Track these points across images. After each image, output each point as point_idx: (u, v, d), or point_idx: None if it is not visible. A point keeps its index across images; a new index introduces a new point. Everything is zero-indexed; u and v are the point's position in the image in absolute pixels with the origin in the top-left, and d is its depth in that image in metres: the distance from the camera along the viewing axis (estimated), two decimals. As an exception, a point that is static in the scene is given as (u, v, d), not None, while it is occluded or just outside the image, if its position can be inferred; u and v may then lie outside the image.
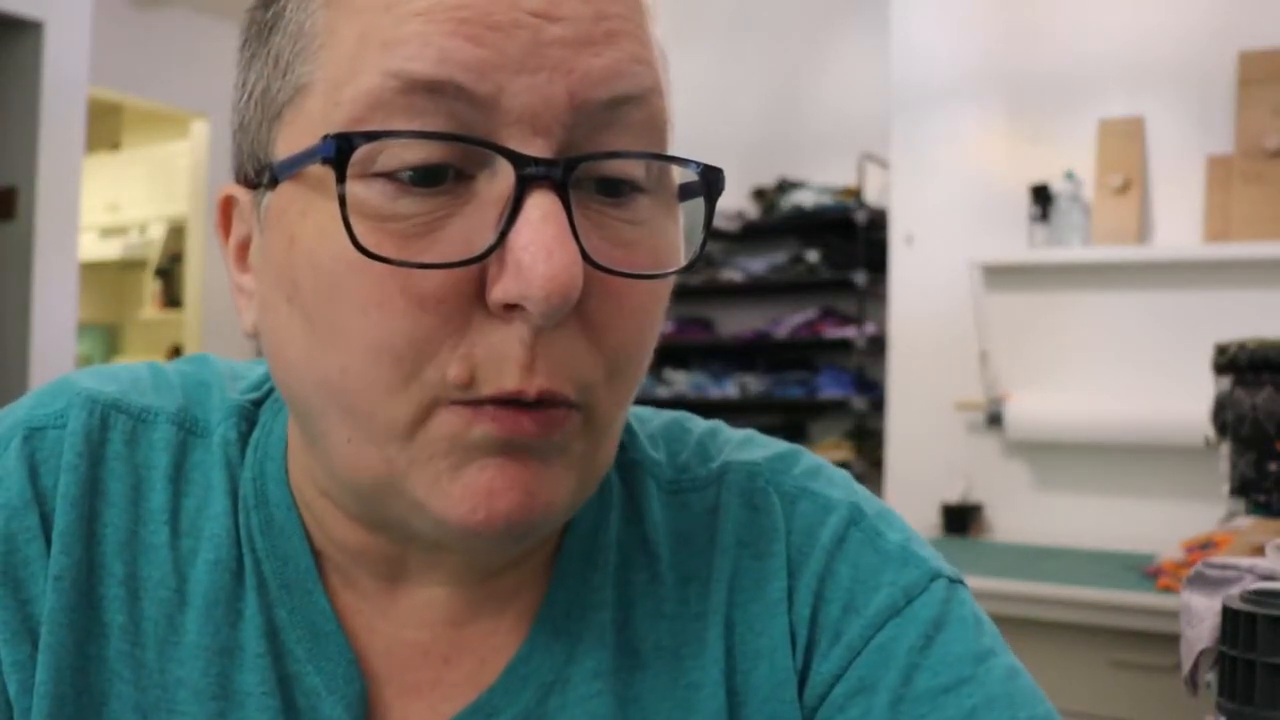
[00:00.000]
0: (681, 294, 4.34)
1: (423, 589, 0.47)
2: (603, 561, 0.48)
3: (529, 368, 0.38)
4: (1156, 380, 2.80)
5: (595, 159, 0.39)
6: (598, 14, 0.40)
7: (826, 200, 3.94)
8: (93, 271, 5.33)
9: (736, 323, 4.26)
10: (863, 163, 3.79)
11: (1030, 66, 3.07)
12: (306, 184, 0.40)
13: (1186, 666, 0.91)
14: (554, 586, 0.48)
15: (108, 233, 5.71)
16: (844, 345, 3.91)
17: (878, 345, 3.73)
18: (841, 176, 3.95)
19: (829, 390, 3.91)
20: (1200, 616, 0.90)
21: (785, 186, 4.06)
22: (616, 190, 0.41)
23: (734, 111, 4.29)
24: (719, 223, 4.06)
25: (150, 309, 5.59)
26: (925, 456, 3.16)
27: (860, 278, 3.80)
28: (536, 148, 0.38)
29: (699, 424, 0.55)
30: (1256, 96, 2.76)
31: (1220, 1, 2.85)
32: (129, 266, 5.76)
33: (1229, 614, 0.80)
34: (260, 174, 0.42)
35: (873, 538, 0.49)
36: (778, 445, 0.54)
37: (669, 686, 0.47)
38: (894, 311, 3.29)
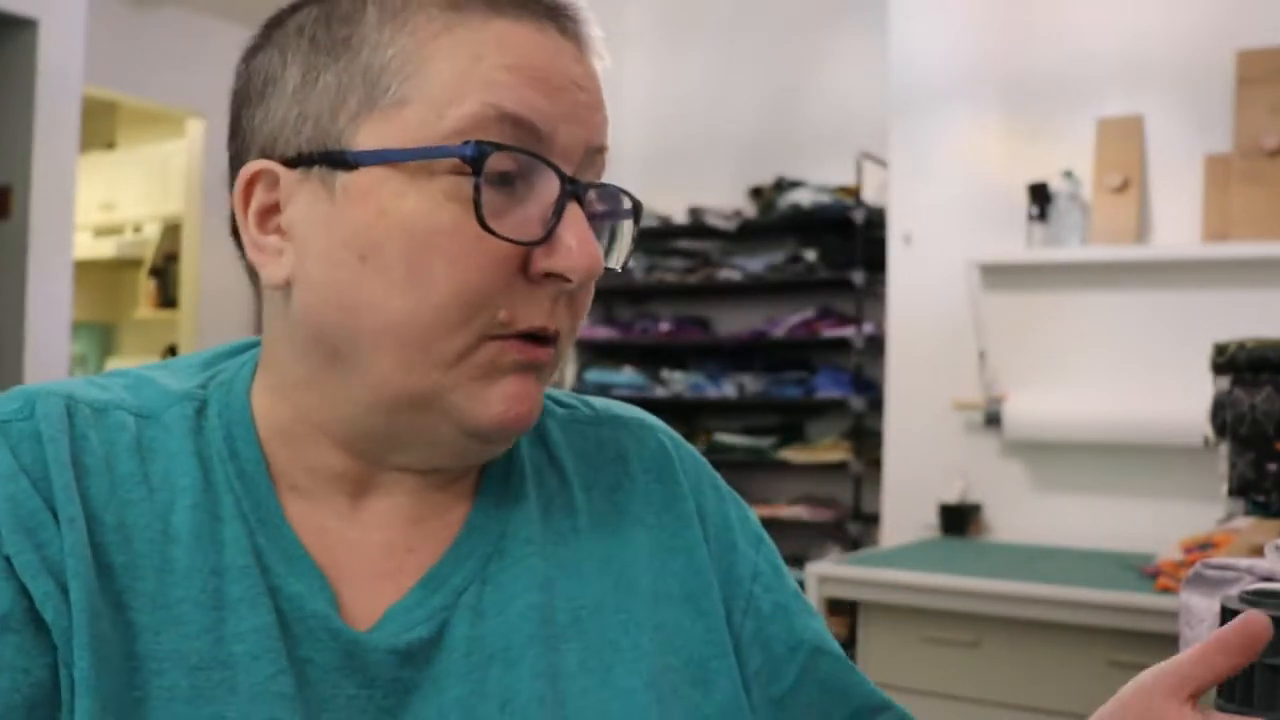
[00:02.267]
0: (679, 293, 4.34)
1: (385, 500, 0.60)
2: (519, 469, 0.64)
3: (552, 314, 0.56)
4: (1155, 380, 2.80)
5: (599, 187, 0.59)
6: (597, 87, 0.59)
7: (824, 199, 3.93)
8: (87, 271, 5.30)
9: (734, 322, 4.25)
10: (861, 162, 3.78)
11: (1028, 66, 3.06)
12: (404, 171, 0.54)
13: (1186, 668, 0.90)
14: (484, 489, 0.63)
15: (102, 232, 5.69)
16: (842, 345, 3.90)
17: (876, 345, 3.72)
18: (840, 175, 3.94)
19: (827, 390, 3.90)
20: (1199, 617, 0.89)
21: (783, 185, 4.05)
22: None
23: (732, 110, 4.28)
24: (717, 221, 4.05)
25: (145, 308, 5.57)
26: (923, 456, 3.15)
27: (858, 277, 3.79)
28: (570, 173, 0.56)
29: (551, 389, 0.72)
30: (1254, 95, 2.76)
31: (1218, 1, 2.85)
32: (124, 266, 5.74)
33: (1228, 614, 0.79)
34: (328, 156, 0.54)
35: (724, 484, 0.74)
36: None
37: (588, 555, 0.63)
38: (892, 311, 3.29)
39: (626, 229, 0.62)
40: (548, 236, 0.54)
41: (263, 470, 0.58)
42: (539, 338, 0.56)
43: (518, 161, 0.54)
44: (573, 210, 0.55)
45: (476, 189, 0.53)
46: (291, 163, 0.55)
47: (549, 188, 0.55)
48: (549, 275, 0.55)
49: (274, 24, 0.58)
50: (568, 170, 0.56)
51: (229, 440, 0.58)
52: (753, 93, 4.26)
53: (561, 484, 0.65)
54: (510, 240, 0.53)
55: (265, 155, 0.56)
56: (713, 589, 0.66)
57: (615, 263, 0.61)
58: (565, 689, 0.59)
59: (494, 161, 0.53)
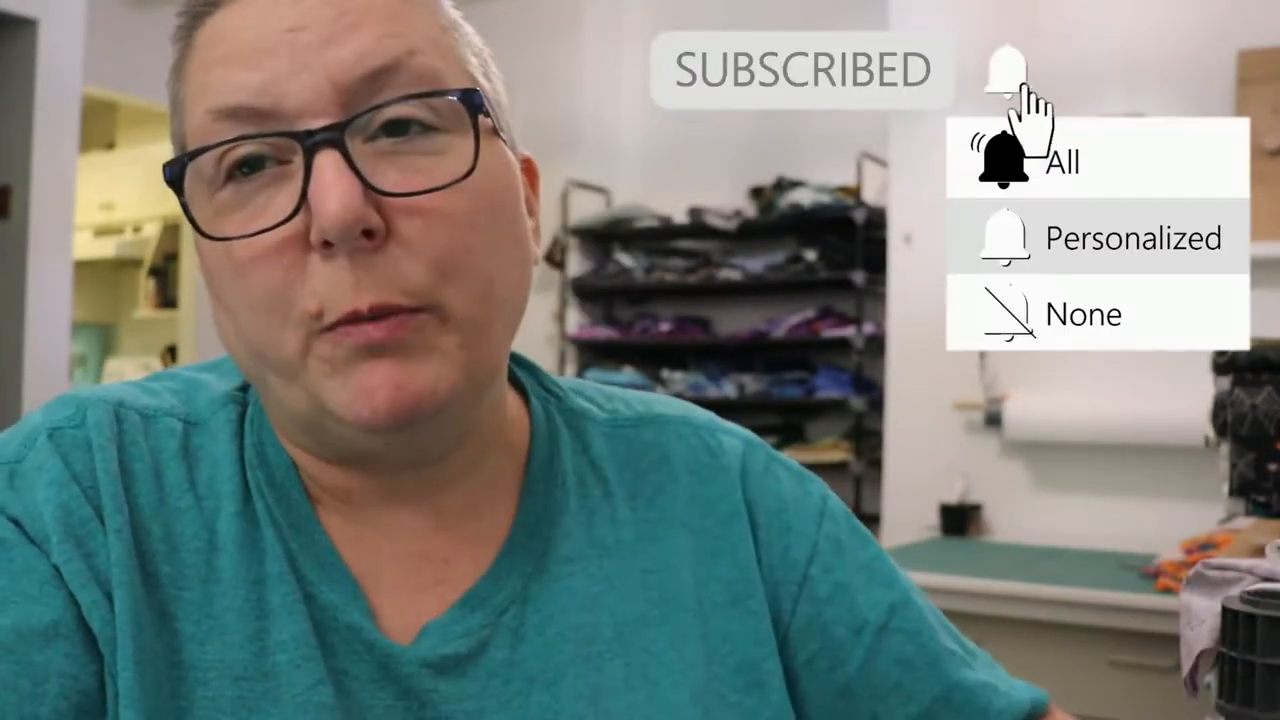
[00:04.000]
0: (679, 293, 4.33)
1: (408, 508, 0.57)
2: (561, 481, 0.61)
3: (356, 288, 0.49)
4: (1155, 380, 2.79)
5: (359, 116, 0.50)
6: (339, 14, 0.51)
7: (825, 199, 3.92)
8: (87, 271, 5.30)
9: (734, 322, 4.25)
10: (861, 161, 3.78)
11: (1029, 65, 3.06)
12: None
13: (1186, 668, 0.90)
14: (525, 501, 0.60)
15: (102, 232, 5.68)
16: (842, 345, 3.90)
17: (876, 345, 3.71)
18: (840, 175, 3.94)
19: (827, 390, 3.90)
20: (1200, 617, 0.89)
21: (783, 185, 4.04)
22: (405, 129, 0.51)
23: (732, 110, 4.27)
24: (717, 221, 4.05)
25: (145, 309, 5.56)
26: (924, 457, 3.15)
27: (859, 277, 3.79)
28: (321, 124, 0.49)
29: (590, 384, 0.69)
30: (1255, 95, 2.76)
31: (1219, 1, 2.85)
32: (123, 266, 5.73)
33: (1229, 615, 0.79)
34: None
35: (781, 462, 0.68)
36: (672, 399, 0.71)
37: (631, 569, 0.60)
38: (893, 311, 3.29)
39: (462, 125, 0.52)
40: (299, 207, 0.49)
41: (293, 475, 0.57)
42: (382, 315, 0.50)
43: (259, 147, 0.50)
44: (319, 163, 0.48)
45: (184, 207, 0.52)
46: None
47: (299, 151, 0.50)
48: (325, 245, 0.49)
49: None
50: (321, 123, 0.49)
51: (258, 445, 0.57)
52: (753, 93, 4.26)
53: (605, 495, 0.62)
54: (246, 236, 0.50)
55: None
56: (758, 586, 0.62)
57: (447, 174, 0.50)
58: (609, 707, 0.57)
59: (228, 162, 0.51)
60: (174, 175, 0.52)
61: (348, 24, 0.51)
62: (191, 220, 0.51)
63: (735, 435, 0.68)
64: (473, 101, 0.52)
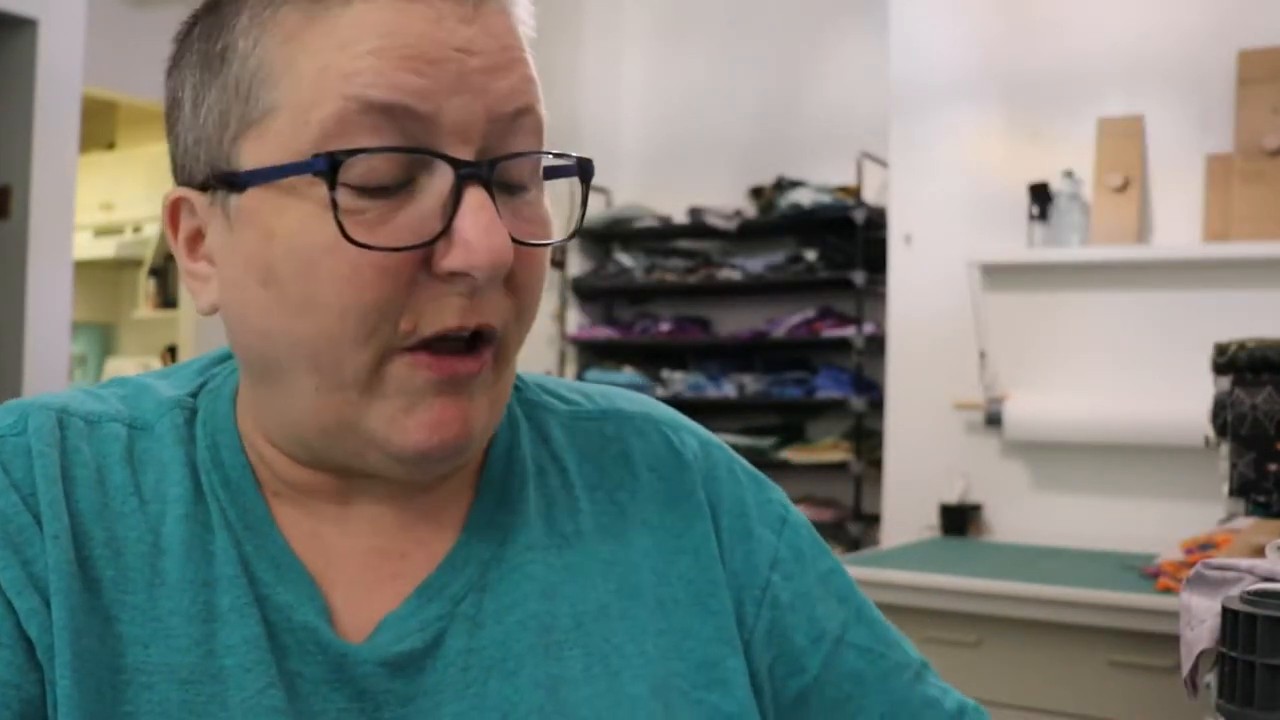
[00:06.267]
0: (679, 293, 4.33)
1: (371, 506, 0.58)
2: (520, 470, 0.62)
3: (465, 312, 0.51)
4: (1156, 380, 2.79)
5: (509, 158, 0.52)
6: (501, 47, 0.53)
7: (825, 199, 3.92)
8: (87, 271, 5.30)
9: (734, 322, 4.24)
10: (861, 161, 3.78)
11: (1029, 65, 3.06)
12: (280, 188, 0.50)
13: (1186, 668, 0.90)
14: (483, 492, 0.60)
15: (102, 232, 5.68)
16: (842, 345, 3.90)
17: (876, 345, 3.71)
18: (840, 175, 3.94)
19: (827, 390, 3.90)
20: (1200, 617, 0.89)
21: (783, 185, 4.04)
22: (524, 190, 0.54)
23: (732, 109, 4.28)
24: (717, 221, 4.04)
25: (145, 309, 5.57)
26: (924, 457, 3.15)
27: (859, 277, 3.79)
28: (465, 153, 0.51)
29: (552, 378, 0.70)
30: (1256, 95, 2.76)
31: (1219, 1, 2.85)
32: (123, 266, 5.74)
33: (1229, 615, 0.79)
34: (221, 180, 0.52)
35: (742, 465, 0.69)
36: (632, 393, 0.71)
37: (591, 559, 0.61)
38: (893, 311, 3.28)
39: (575, 192, 0.56)
40: (444, 232, 0.50)
41: (249, 476, 0.57)
42: (464, 341, 0.52)
43: (395, 158, 0.50)
44: (472, 197, 0.50)
45: (334, 204, 0.49)
46: (201, 188, 0.54)
47: (444, 175, 0.50)
48: (454, 274, 0.50)
49: (179, 38, 0.56)
50: (467, 149, 0.51)
51: (213, 448, 0.57)
52: (753, 92, 4.26)
53: (564, 485, 0.63)
54: (391, 249, 0.49)
55: (183, 181, 0.55)
56: (721, 586, 0.63)
57: (545, 226, 0.55)
58: (567, 697, 0.56)
59: (361, 165, 0.49)
60: (331, 167, 0.49)
61: (508, 59, 0.53)
62: (337, 218, 0.49)
63: (694, 434, 0.69)
64: (587, 172, 0.57)
